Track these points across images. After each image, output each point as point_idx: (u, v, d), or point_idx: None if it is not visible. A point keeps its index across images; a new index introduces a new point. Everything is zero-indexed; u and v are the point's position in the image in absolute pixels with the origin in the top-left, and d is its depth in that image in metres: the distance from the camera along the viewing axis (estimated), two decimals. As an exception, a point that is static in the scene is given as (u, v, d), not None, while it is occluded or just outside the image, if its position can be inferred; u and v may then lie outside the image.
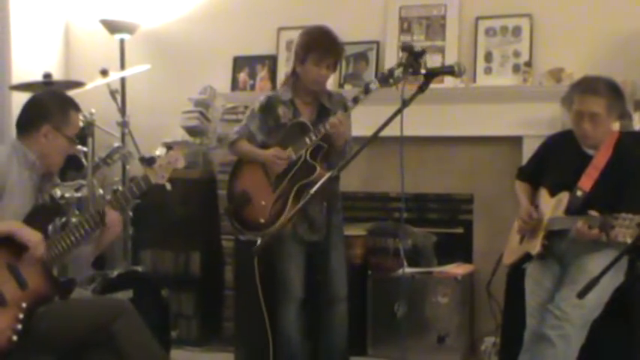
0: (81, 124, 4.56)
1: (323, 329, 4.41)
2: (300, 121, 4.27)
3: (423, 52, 3.67)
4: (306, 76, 4.27)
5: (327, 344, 4.42)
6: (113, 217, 3.51)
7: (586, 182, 3.93)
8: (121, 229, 3.66)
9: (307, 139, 4.17)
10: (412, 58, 3.68)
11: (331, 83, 5.34)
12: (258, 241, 3.75)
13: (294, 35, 5.64)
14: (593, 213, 3.71)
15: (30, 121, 3.54)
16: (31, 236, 3.30)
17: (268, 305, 4.31)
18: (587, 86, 3.98)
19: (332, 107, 4.34)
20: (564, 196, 3.96)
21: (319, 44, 4.25)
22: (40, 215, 3.43)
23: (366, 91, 4.07)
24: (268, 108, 4.34)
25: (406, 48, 3.71)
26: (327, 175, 3.76)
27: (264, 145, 4.33)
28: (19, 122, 3.59)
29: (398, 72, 3.79)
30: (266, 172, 4.26)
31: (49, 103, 3.57)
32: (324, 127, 4.12)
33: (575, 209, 3.89)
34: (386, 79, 3.93)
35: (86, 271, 3.71)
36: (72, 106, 3.62)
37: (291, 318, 4.31)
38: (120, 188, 4.74)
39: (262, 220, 4.16)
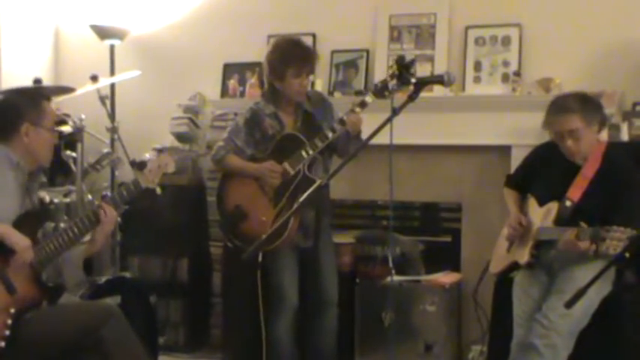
0: (70, 129, 4.58)
1: (312, 334, 4.41)
2: (292, 133, 4.29)
3: (413, 61, 3.71)
4: (289, 90, 4.28)
5: (316, 350, 4.42)
6: (110, 213, 3.50)
7: (575, 193, 3.94)
8: (114, 227, 3.63)
9: (304, 153, 4.17)
10: (404, 69, 3.70)
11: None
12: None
13: (285, 43, 5.66)
14: (584, 225, 3.72)
15: (6, 125, 3.51)
16: (20, 241, 3.29)
17: (259, 313, 4.32)
18: (559, 106, 4.01)
19: (314, 109, 4.38)
20: (553, 206, 3.97)
21: (295, 57, 4.26)
22: (30, 220, 3.42)
23: (362, 105, 4.09)
24: (254, 121, 4.36)
25: (399, 60, 3.74)
26: (317, 183, 3.78)
27: (253, 159, 4.34)
28: None
29: (392, 84, 3.80)
30: (260, 186, 4.26)
31: (20, 102, 3.54)
32: (338, 126, 4.12)
33: (565, 219, 3.90)
34: (381, 91, 3.93)
35: (79, 273, 3.68)
36: (42, 96, 3.61)
37: (285, 327, 4.32)
38: (109, 193, 4.73)
39: (264, 237, 4.12)
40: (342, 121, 4.13)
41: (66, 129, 4.74)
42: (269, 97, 4.39)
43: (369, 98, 4.07)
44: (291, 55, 4.26)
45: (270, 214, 4.16)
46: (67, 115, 4.97)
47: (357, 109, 4.11)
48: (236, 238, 4.27)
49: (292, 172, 4.19)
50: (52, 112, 3.64)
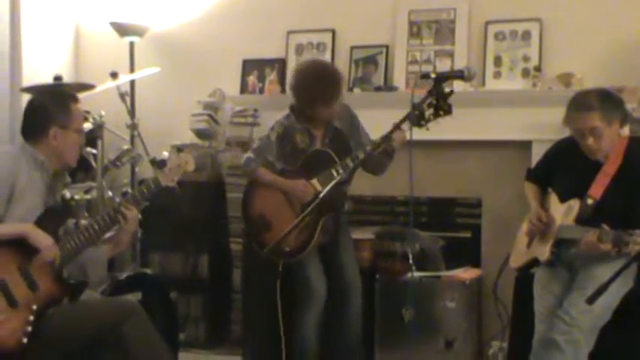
0: (90, 125, 4.60)
1: (337, 324, 4.43)
2: (323, 150, 4.35)
3: (451, 92, 3.72)
4: (321, 116, 4.33)
5: (342, 339, 4.45)
6: (131, 213, 3.52)
7: (596, 190, 3.90)
8: (137, 227, 3.65)
9: (334, 172, 4.17)
10: (442, 98, 3.70)
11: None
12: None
13: (304, 39, 5.71)
14: (606, 227, 3.68)
15: (36, 127, 3.54)
16: (43, 240, 3.31)
17: (280, 308, 4.36)
18: (579, 103, 3.94)
19: (342, 125, 4.46)
20: (575, 204, 3.93)
21: (322, 93, 4.26)
22: (52, 217, 3.44)
23: (396, 127, 4.09)
24: (286, 135, 4.39)
25: (436, 90, 3.73)
26: (336, 179, 3.78)
27: (283, 172, 4.38)
28: (25, 130, 3.59)
29: (429, 113, 3.80)
30: (288, 199, 4.30)
31: (49, 105, 3.57)
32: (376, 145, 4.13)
33: (586, 218, 3.87)
34: (417, 120, 3.92)
35: (103, 272, 3.71)
36: (71, 99, 3.62)
37: (314, 323, 4.36)
38: (129, 190, 4.75)
39: (287, 249, 4.16)
40: (387, 138, 4.10)
41: (86, 126, 4.75)
42: (299, 115, 4.41)
43: (405, 126, 4.05)
44: (319, 92, 4.26)
45: (295, 229, 4.15)
46: (87, 112, 4.98)
47: (403, 127, 4.08)
48: (258, 245, 4.29)
49: (321, 190, 4.20)
50: (80, 113, 3.66)
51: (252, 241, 4.40)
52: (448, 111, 3.84)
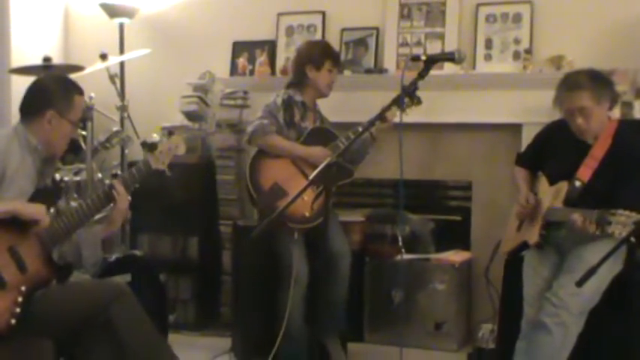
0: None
1: (324, 286, 4.49)
2: (323, 127, 4.62)
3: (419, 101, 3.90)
4: (321, 81, 4.58)
5: (327, 298, 4.51)
6: (121, 190, 3.51)
7: (584, 173, 3.90)
8: (128, 206, 3.64)
9: (340, 143, 4.39)
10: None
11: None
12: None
13: (294, 21, 5.69)
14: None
15: (34, 106, 3.52)
16: (35, 209, 3.28)
17: (269, 290, 4.35)
18: (569, 83, 3.95)
19: (326, 124, 4.72)
20: (563, 186, 3.94)
21: (333, 53, 4.67)
22: (42, 198, 3.42)
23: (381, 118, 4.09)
24: (288, 103, 4.54)
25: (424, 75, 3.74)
26: (326, 161, 3.78)
27: None
28: (23, 108, 3.57)
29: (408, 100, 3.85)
30: (299, 167, 4.44)
31: (53, 88, 3.55)
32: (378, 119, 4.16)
33: (574, 200, 3.87)
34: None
35: (98, 252, 3.69)
36: (76, 90, 3.60)
37: (296, 301, 4.37)
38: (119, 172, 4.74)
39: (307, 214, 4.27)
40: (381, 116, 4.10)
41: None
42: (297, 88, 4.60)
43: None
44: (331, 49, 4.69)
45: (310, 194, 4.23)
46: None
47: (393, 108, 4.11)
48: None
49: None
50: (81, 107, 3.64)
51: (265, 210, 4.39)
52: (419, 102, 3.92)
